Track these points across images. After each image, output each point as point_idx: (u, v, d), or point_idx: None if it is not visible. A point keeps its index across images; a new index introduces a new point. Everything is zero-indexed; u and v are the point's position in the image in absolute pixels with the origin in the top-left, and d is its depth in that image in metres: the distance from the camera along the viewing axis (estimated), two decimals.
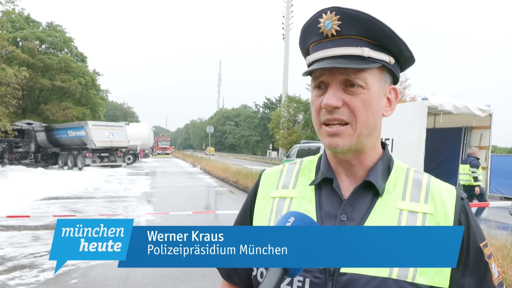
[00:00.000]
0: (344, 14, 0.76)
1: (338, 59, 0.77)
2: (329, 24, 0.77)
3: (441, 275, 0.74)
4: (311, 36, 0.82)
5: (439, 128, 10.08)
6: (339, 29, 0.77)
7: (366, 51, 0.77)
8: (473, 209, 7.81)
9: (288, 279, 0.78)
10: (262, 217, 0.90)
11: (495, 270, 0.79)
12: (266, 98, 65.43)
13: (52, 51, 32.88)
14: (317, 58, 0.80)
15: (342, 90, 0.78)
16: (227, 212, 8.67)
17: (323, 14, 0.78)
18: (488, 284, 0.77)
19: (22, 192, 11.93)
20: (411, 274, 0.73)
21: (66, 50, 33.55)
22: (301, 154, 16.47)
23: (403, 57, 0.82)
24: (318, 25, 0.79)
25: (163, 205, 10.82)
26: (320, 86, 0.80)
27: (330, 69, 0.77)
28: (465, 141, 9.84)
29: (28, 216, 8.10)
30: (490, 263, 0.78)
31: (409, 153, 8.22)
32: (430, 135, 8.64)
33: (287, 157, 18.72)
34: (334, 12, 0.77)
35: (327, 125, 0.80)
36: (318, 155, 0.95)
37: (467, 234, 0.77)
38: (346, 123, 0.78)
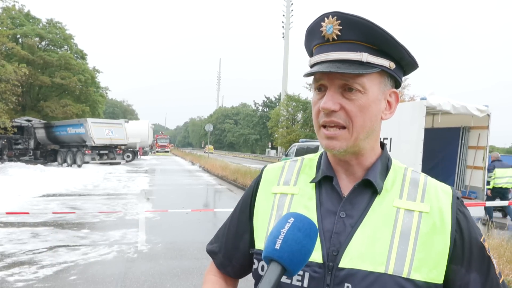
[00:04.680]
0: (345, 19, 0.78)
1: (336, 64, 0.78)
2: (330, 28, 0.79)
3: (435, 271, 0.76)
4: (314, 38, 0.84)
5: (438, 128, 10.09)
6: (339, 33, 0.78)
7: (365, 56, 0.78)
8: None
9: None
10: (264, 213, 0.92)
11: (494, 263, 0.82)
12: (266, 97, 65.50)
13: (52, 48, 32.70)
14: (318, 61, 0.82)
15: (340, 94, 0.80)
16: (226, 210, 8.68)
17: (325, 18, 0.80)
18: (493, 277, 0.80)
19: (21, 188, 11.93)
20: (406, 269, 0.75)
21: (66, 47, 33.37)
22: (300, 153, 16.47)
23: (405, 62, 0.84)
24: (321, 29, 0.81)
25: (162, 202, 10.85)
26: (321, 88, 0.82)
27: (329, 73, 0.79)
28: (463, 141, 9.86)
29: (27, 213, 8.13)
30: (491, 257, 0.81)
31: (408, 152, 8.24)
32: (429, 134, 8.66)
33: (286, 155, 18.71)
34: (335, 17, 0.78)
35: (325, 127, 0.82)
36: (319, 153, 0.97)
37: (468, 232, 0.80)
38: (343, 127, 0.80)
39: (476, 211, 8.93)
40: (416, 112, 8.26)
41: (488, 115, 9.04)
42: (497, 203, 9.35)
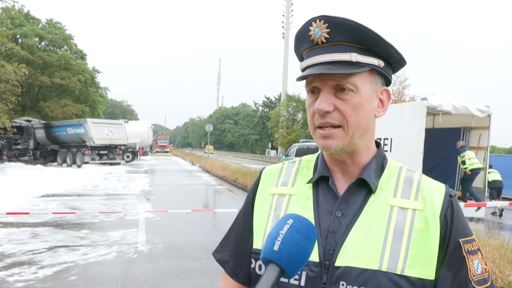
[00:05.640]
0: (332, 22, 0.80)
1: (327, 65, 0.80)
2: (318, 32, 0.81)
3: (429, 268, 0.77)
4: (304, 43, 0.86)
5: (438, 128, 10.10)
6: (328, 36, 0.81)
7: (354, 56, 0.80)
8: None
9: None
10: (262, 213, 0.93)
11: (477, 266, 0.81)
12: (266, 97, 65.51)
13: (52, 48, 32.72)
14: (308, 64, 0.83)
15: (333, 95, 0.81)
16: (226, 211, 8.68)
17: (313, 23, 0.82)
18: (462, 277, 0.79)
19: (21, 189, 11.93)
20: (400, 266, 0.76)
21: (65, 47, 33.38)
22: (300, 153, 16.48)
23: (393, 60, 0.86)
24: (309, 33, 0.83)
25: (162, 203, 10.84)
26: (313, 91, 0.84)
27: (321, 75, 0.81)
28: (464, 142, 9.86)
29: (27, 213, 8.12)
30: (469, 258, 0.80)
31: (408, 152, 8.24)
32: (429, 135, 8.66)
33: (286, 156, 18.73)
34: (323, 21, 0.81)
35: (320, 128, 0.83)
36: (316, 154, 0.98)
37: (450, 229, 0.80)
38: (339, 126, 0.82)
39: (476, 212, 8.92)
40: (417, 112, 8.26)
41: (489, 116, 9.05)
42: (497, 203, 9.33)
